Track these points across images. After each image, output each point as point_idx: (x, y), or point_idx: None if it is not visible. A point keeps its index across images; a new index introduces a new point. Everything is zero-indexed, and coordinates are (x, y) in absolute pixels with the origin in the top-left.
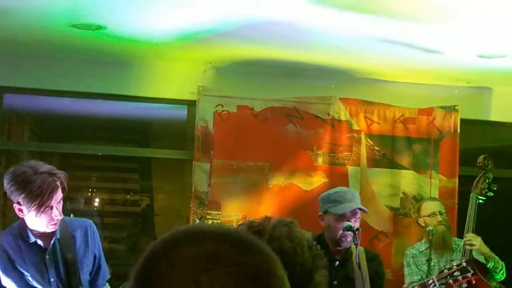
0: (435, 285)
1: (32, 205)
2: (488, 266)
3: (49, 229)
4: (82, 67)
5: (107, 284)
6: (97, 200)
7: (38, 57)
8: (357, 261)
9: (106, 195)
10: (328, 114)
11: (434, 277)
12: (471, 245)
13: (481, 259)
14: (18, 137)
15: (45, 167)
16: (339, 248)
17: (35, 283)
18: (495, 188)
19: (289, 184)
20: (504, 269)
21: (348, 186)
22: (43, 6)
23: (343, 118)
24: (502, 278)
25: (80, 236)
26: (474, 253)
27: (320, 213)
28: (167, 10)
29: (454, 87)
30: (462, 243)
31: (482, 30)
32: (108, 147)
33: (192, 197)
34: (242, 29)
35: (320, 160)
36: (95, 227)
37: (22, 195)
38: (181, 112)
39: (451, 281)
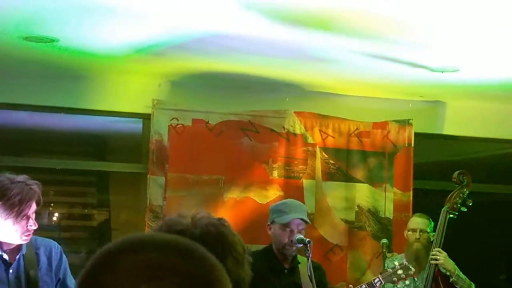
0: (381, 283)
1: (10, 214)
2: (450, 280)
3: (22, 240)
4: (37, 80)
5: None
6: (55, 214)
7: None
8: (309, 273)
9: (63, 209)
10: (283, 127)
11: (379, 275)
12: (435, 259)
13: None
14: None
15: (20, 177)
16: (284, 256)
17: None
18: (470, 204)
19: (245, 197)
20: None
21: (303, 199)
22: None
23: (298, 131)
24: None
25: (44, 255)
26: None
27: (268, 223)
28: (121, 23)
29: (408, 101)
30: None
31: (435, 44)
32: (64, 161)
33: (147, 211)
34: (195, 42)
35: (275, 173)
36: (60, 249)
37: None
38: (137, 126)
39: (395, 279)
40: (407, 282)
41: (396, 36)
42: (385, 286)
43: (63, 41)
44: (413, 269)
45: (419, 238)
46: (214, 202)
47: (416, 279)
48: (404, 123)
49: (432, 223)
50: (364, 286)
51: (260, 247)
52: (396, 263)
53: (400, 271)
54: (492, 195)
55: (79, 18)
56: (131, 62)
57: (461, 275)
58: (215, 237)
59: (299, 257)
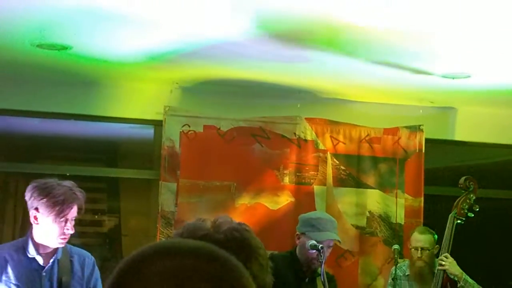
0: None
1: (51, 212)
2: (458, 286)
3: (58, 243)
4: (49, 87)
5: None
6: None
7: (3, 77)
8: (322, 279)
9: None
10: (294, 133)
11: None
12: (441, 265)
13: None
14: None
15: (67, 182)
16: (308, 267)
17: None
18: (477, 209)
19: (256, 203)
20: None
21: (314, 206)
22: (7, 25)
23: (309, 137)
24: None
25: (77, 263)
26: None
27: (298, 233)
28: (133, 31)
29: (419, 107)
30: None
31: (446, 51)
32: (75, 167)
33: (158, 217)
34: (208, 49)
35: (286, 179)
36: (94, 261)
37: (43, 201)
38: (148, 132)
39: None
40: None
41: (407, 43)
42: None
43: (76, 49)
44: None
45: (421, 256)
46: (225, 208)
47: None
48: (415, 129)
49: (436, 236)
50: None
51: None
52: (404, 270)
53: None
54: (504, 200)
55: (92, 25)
56: (143, 69)
57: (469, 279)
58: (239, 242)
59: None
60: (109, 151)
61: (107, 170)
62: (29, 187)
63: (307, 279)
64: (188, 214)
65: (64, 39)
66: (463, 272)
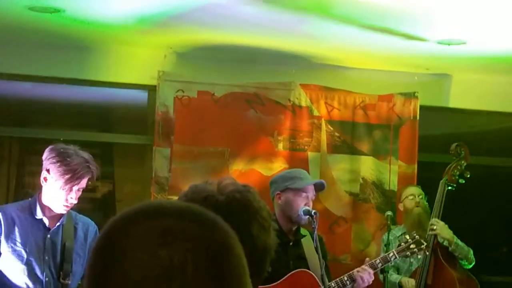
0: (395, 257)
1: (60, 178)
2: (449, 250)
3: (60, 209)
4: (42, 51)
5: None
6: None
7: None
8: (315, 245)
9: None
10: (289, 100)
11: (393, 250)
12: (432, 229)
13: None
14: None
15: (86, 153)
16: (294, 227)
17: (30, 257)
18: (468, 176)
19: (250, 169)
20: (471, 257)
21: (308, 172)
22: None
23: (303, 104)
24: (470, 267)
25: (81, 230)
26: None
27: (278, 192)
28: None
29: (414, 73)
30: None
31: (442, 16)
32: (69, 132)
33: (152, 183)
34: (200, 12)
35: (280, 145)
36: (97, 229)
37: (56, 165)
38: (142, 98)
39: (409, 253)
40: (419, 256)
41: (403, 9)
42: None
43: (69, 11)
44: (425, 243)
45: (418, 202)
46: (219, 174)
47: (427, 252)
48: (409, 96)
49: (424, 193)
50: (378, 260)
51: None
52: (395, 233)
53: (413, 246)
54: (498, 168)
55: None
56: (137, 33)
57: (459, 242)
58: (240, 203)
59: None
60: (103, 117)
61: (101, 135)
62: (48, 148)
63: (291, 243)
64: (181, 179)
65: (57, 1)
66: (454, 236)
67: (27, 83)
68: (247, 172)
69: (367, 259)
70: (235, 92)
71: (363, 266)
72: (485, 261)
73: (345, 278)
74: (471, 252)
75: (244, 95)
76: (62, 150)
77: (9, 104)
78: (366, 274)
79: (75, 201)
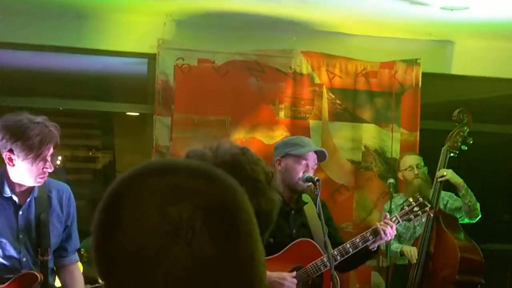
0: (398, 221)
1: (28, 155)
2: (460, 195)
3: (36, 182)
4: (39, 19)
5: (76, 254)
6: (59, 157)
7: None
8: (318, 211)
9: (67, 151)
10: (290, 67)
11: (396, 214)
12: (442, 176)
13: (453, 213)
14: None
15: (39, 117)
16: (294, 194)
17: (2, 238)
18: (470, 142)
19: (251, 138)
20: (478, 210)
21: None
22: None
23: (304, 71)
24: (475, 220)
25: (55, 198)
26: (442, 206)
27: (278, 158)
28: None
29: (416, 40)
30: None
31: None
32: (69, 101)
33: (153, 152)
34: None
35: (282, 114)
36: (70, 194)
37: (18, 143)
38: (142, 67)
39: (412, 217)
40: (423, 219)
41: None
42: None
43: None
44: (429, 205)
45: (417, 174)
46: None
47: (432, 214)
48: (412, 62)
49: (422, 158)
50: (394, 218)
51: None
52: (397, 202)
53: (416, 208)
54: (501, 135)
55: None
56: (136, 0)
57: (470, 190)
58: (231, 166)
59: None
60: (102, 86)
61: (103, 104)
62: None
63: (293, 211)
64: (182, 148)
65: None
66: (463, 181)
67: (25, 51)
68: (248, 140)
69: (377, 223)
70: (235, 60)
71: (385, 220)
72: (487, 229)
73: (368, 234)
74: (478, 205)
75: (245, 63)
76: (16, 124)
77: (7, 74)
78: (388, 228)
79: (51, 169)
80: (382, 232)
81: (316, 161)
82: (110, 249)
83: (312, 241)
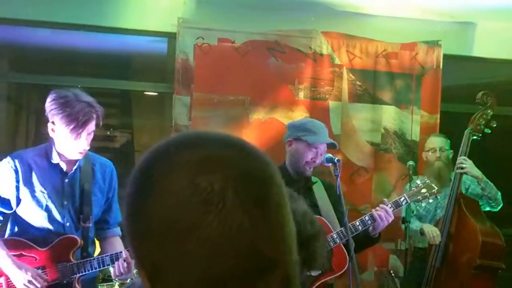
0: (407, 201)
1: (66, 128)
2: (480, 189)
3: (74, 156)
4: None
5: (118, 228)
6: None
7: None
8: (338, 192)
9: None
10: (310, 48)
11: (405, 194)
12: (461, 167)
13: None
14: None
15: (86, 97)
16: (300, 176)
17: (49, 202)
18: (494, 125)
19: (270, 118)
20: (499, 198)
21: (329, 121)
22: None
23: (324, 52)
24: (497, 209)
25: (99, 171)
26: (463, 190)
27: (290, 139)
28: None
29: (437, 22)
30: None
31: None
32: (88, 79)
33: (172, 131)
34: None
35: (301, 94)
36: (113, 169)
37: (59, 116)
38: (161, 46)
39: (420, 197)
40: (430, 200)
41: None
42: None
43: None
44: (436, 187)
45: (439, 156)
46: (239, 123)
47: (438, 196)
48: (433, 44)
49: (449, 141)
50: (390, 204)
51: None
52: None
53: (424, 190)
54: None
55: None
56: None
57: (489, 182)
58: None
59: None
60: (122, 65)
61: (122, 82)
62: (48, 99)
63: (301, 191)
64: (201, 128)
65: None
66: (482, 174)
67: (46, 29)
68: (267, 121)
69: (385, 200)
70: (255, 40)
71: (380, 205)
72: (508, 214)
73: (367, 218)
74: (499, 194)
75: (265, 43)
76: (62, 99)
77: (28, 51)
78: (383, 212)
79: (87, 147)
80: (377, 217)
81: (326, 149)
82: (141, 219)
83: (322, 218)
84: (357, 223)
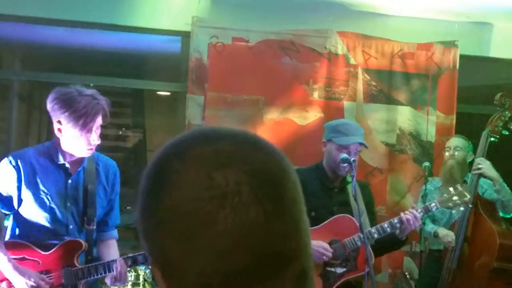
0: (437, 207)
1: (75, 125)
2: (494, 190)
3: (84, 153)
4: None
5: (116, 230)
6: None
7: None
8: (353, 192)
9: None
10: (325, 47)
11: (435, 201)
12: (478, 168)
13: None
14: (8, 66)
15: (89, 91)
16: (336, 175)
17: (52, 203)
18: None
19: (284, 118)
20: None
21: None
22: None
23: (340, 52)
24: (510, 215)
25: (103, 171)
26: (480, 191)
27: (324, 140)
28: None
29: (454, 22)
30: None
31: None
32: (101, 77)
33: (185, 130)
34: None
35: (316, 94)
36: (117, 170)
37: (65, 114)
38: (174, 44)
39: (451, 205)
40: (461, 208)
41: None
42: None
43: None
44: (468, 195)
45: (453, 155)
46: (253, 123)
47: (470, 205)
48: (449, 44)
49: (471, 145)
50: (420, 210)
51: (299, 168)
52: (435, 184)
53: (455, 197)
54: None
55: None
56: None
57: (505, 185)
58: None
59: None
60: (135, 64)
61: (136, 82)
62: (50, 98)
63: (336, 189)
64: None
65: None
66: (499, 176)
67: (59, 28)
68: (281, 121)
69: (412, 206)
70: (270, 39)
71: (409, 210)
72: None
73: (395, 221)
74: None
75: (279, 42)
76: (65, 96)
77: (41, 49)
78: (411, 217)
79: (98, 142)
80: (405, 221)
81: (360, 148)
82: (156, 214)
83: (352, 217)
84: (386, 225)
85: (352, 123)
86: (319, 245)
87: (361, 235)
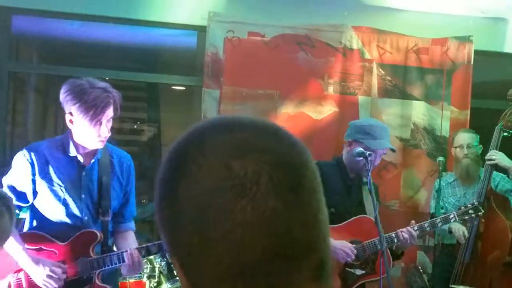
0: (455, 219)
1: (85, 117)
2: (509, 183)
3: (96, 145)
4: None
5: (133, 222)
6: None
7: None
8: (369, 187)
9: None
10: (340, 42)
11: (455, 212)
12: (490, 159)
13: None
14: (26, 60)
15: (101, 83)
16: (356, 174)
17: (66, 195)
18: None
19: (299, 112)
20: None
21: (358, 116)
22: None
23: (355, 46)
24: None
25: (117, 164)
26: (493, 186)
27: (349, 140)
28: None
29: (469, 17)
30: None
31: None
32: (117, 71)
33: None
34: None
35: (330, 89)
36: (131, 162)
37: (76, 105)
38: (190, 38)
39: (466, 218)
40: (475, 223)
41: None
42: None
43: None
44: (482, 210)
45: (467, 154)
46: (268, 117)
47: (466, 191)
48: (464, 39)
49: (478, 136)
50: (439, 219)
51: (319, 162)
52: (447, 179)
53: (471, 211)
54: None
55: None
56: None
57: None
58: None
59: None
60: (151, 58)
61: (152, 75)
62: (62, 89)
63: (355, 188)
64: None
65: None
66: None
67: (75, 22)
68: (296, 115)
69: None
70: (285, 34)
71: (407, 228)
72: None
73: (393, 235)
74: None
75: (295, 37)
76: (76, 88)
77: (57, 43)
78: (408, 235)
79: (108, 134)
80: (401, 238)
81: (386, 151)
82: (174, 203)
83: (372, 219)
84: (393, 235)
85: (379, 124)
86: (345, 246)
87: (381, 236)
